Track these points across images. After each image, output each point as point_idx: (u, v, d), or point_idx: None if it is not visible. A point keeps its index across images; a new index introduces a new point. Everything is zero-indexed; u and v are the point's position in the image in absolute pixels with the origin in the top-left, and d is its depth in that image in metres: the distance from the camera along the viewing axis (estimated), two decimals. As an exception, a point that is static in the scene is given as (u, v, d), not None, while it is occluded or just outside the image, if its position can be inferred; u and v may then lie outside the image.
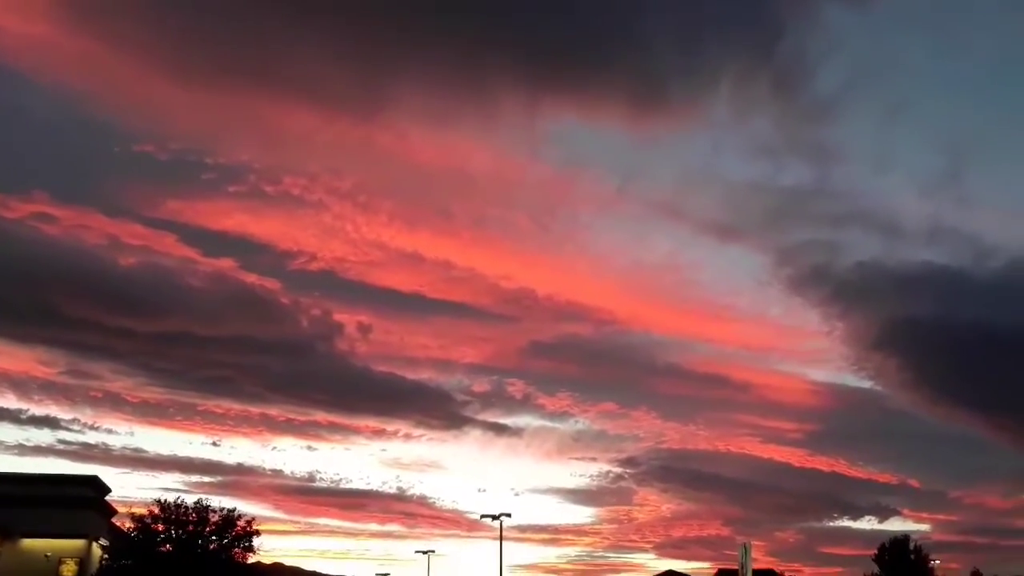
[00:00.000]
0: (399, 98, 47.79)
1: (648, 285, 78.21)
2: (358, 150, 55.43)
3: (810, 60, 70.45)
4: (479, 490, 70.76)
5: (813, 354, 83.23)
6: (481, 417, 67.95)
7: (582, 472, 73.36)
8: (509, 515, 35.54)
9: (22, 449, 50.02)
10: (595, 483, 70.62)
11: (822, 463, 69.73)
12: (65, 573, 28.83)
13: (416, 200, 69.20)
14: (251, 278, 59.58)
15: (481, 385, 69.65)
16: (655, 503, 71.43)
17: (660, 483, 70.53)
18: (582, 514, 77.17)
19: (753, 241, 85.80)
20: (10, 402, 47.78)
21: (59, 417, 54.61)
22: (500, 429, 68.54)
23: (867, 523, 64.30)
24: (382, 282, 69.86)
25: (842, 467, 69.47)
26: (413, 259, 66.25)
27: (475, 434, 68.40)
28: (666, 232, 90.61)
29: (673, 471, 70.18)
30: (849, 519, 65.99)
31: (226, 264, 57.27)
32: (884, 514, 63.99)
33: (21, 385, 48.83)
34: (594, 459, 71.83)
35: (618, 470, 69.69)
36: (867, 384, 73.86)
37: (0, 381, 41.42)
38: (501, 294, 68.46)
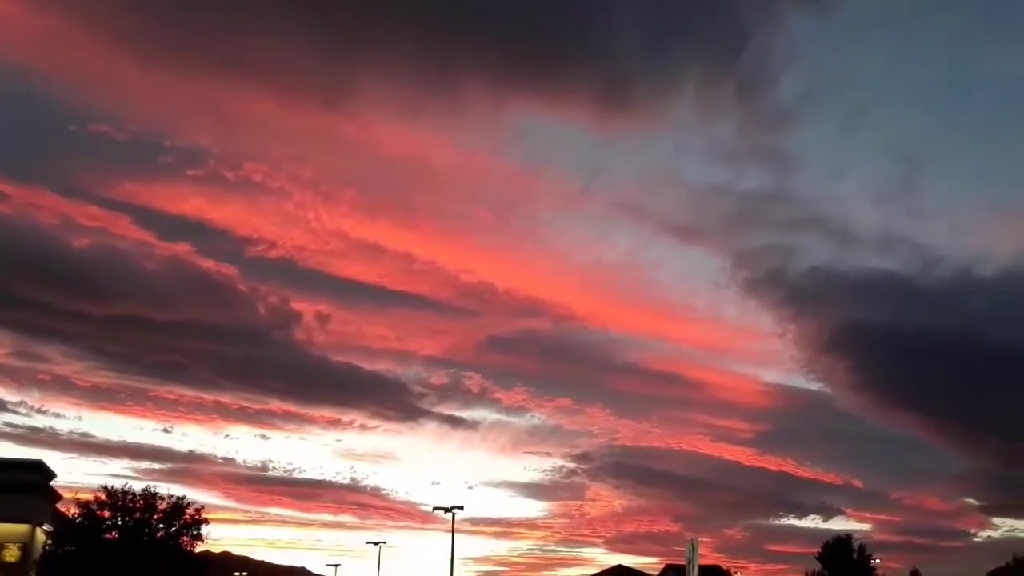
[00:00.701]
0: (364, 87, 47.40)
1: (607, 283, 78.78)
2: (321, 138, 54.93)
3: (772, 67, 71.66)
4: (433, 482, 70.82)
5: (766, 355, 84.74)
6: (437, 410, 68.00)
7: (536, 466, 73.85)
8: (462, 508, 35.67)
9: (-35, 433, 48.90)
10: (548, 478, 71.19)
11: (770, 462, 71.13)
12: (7, 558, 28.34)
13: (378, 191, 68.72)
14: (208, 263, 58.75)
15: (438, 378, 69.68)
16: (607, 498, 72.28)
17: (613, 479, 71.36)
18: (534, 508, 77.69)
19: (712, 243, 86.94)
20: (-44, 385, 46.56)
21: (5, 400, 53.43)
22: (456, 422, 68.65)
23: (812, 522, 65.82)
24: (342, 272, 69.36)
25: (790, 466, 70.93)
26: (374, 250, 65.89)
27: (431, 426, 68.39)
28: (627, 231, 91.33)
29: (626, 467, 71.02)
30: (795, 518, 67.47)
31: (182, 248, 56.41)
32: (828, 513, 65.53)
33: (-33, 368, 47.62)
34: (548, 454, 72.31)
35: (571, 465, 70.33)
36: (816, 386, 75.56)
37: (-55, 363, 40.29)
38: (461, 288, 68.45)
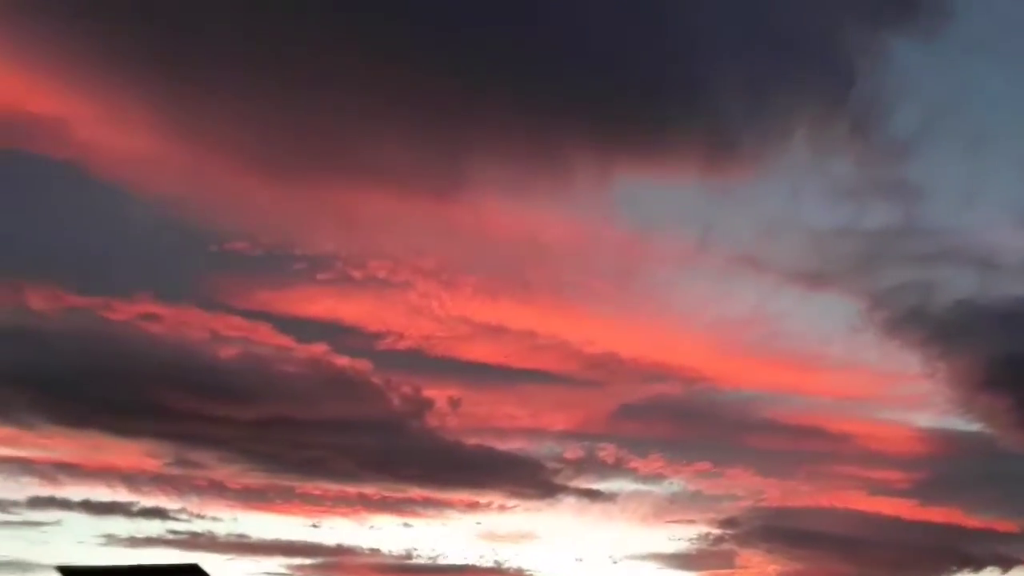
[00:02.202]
0: (474, 174, 48.82)
1: (734, 340, 76.42)
2: (439, 228, 56.52)
3: (886, 97, 68.75)
4: (576, 559, 69.44)
5: (915, 399, 79.38)
6: (574, 484, 66.86)
7: (680, 535, 71.10)
8: (608, 584, 34.86)
9: (133, 541, 51.61)
10: (695, 546, 68.39)
11: (935, 514, 66.14)
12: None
13: (496, 272, 69.77)
14: (343, 361, 60.56)
15: (572, 451, 68.70)
16: (759, 564, 68.71)
17: (763, 543, 67.92)
18: (682, 579, 74.79)
19: (842, 287, 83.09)
20: (121, 495, 49.83)
21: (167, 507, 56.15)
22: (594, 495, 67.24)
23: (990, 575, 60.47)
24: (469, 355, 69.94)
25: (957, 516, 65.76)
26: (497, 331, 66.32)
27: (569, 501, 67.27)
28: (749, 284, 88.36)
29: (775, 530, 67.54)
30: (970, 571, 62.21)
31: (319, 349, 58.56)
32: (1007, 564, 60.03)
33: (131, 479, 50.63)
34: (692, 521, 69.68)
35: (718, 531, 67.34)
36: (976, 426, 69.74)
37: (111, 476, 43.70)
38: (585, 359, 67.73)
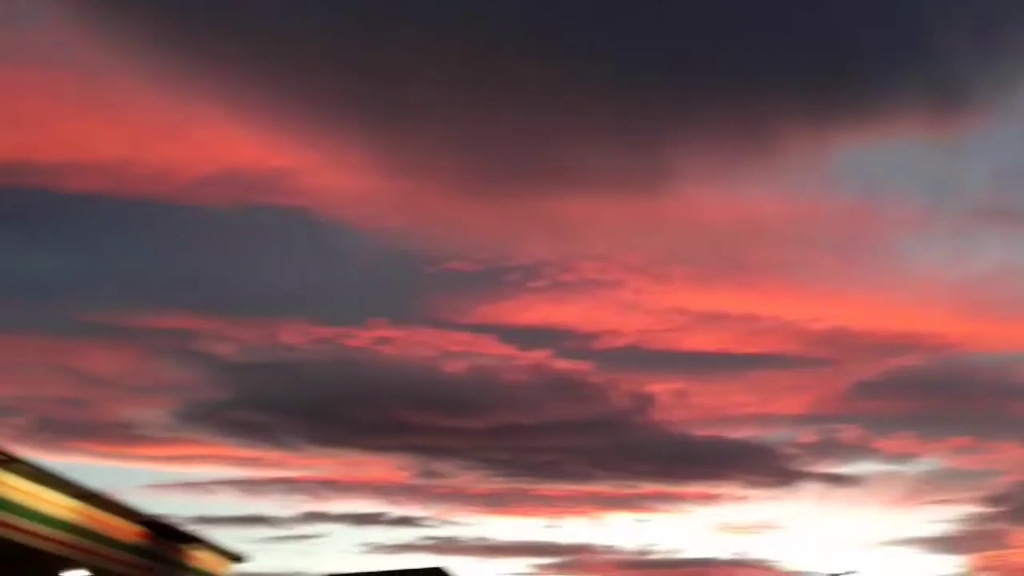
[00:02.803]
0: (677, 164, 47.97)
1: (981, 299, 69.88)
2: (645, 222, 56.06)
3: None
4: (820, 547, 66.24)
5: None
6: (813, 469, 63.93)
7: (939, 517, 66.09)
8: (856, 573, 33.00)
9: (389, 548, 55.75)
10: (957, 528, 63.26)
11: None
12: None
13: (709, 259, 68.11)
14: (563, 364, 61.62)
15: (808, 435, 65.73)
16: (1037, 544, 62.50)
17: (1039, 520, 61.79)
18: (947, 564, 69.31)
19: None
20: (377, 506, 53.88)
21: (415, 516, 59.97)
22: (836, 480, 64.01)
23: None
24: (688, 346, 68.83)
25: None
26: (716, 318, 64.75)
27: (810, 488, 64.44)
28: (992, 238, 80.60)
29: (1052, 505, 61.25)
30: None
31: (540, 355, 60.01)
32: None
33: (384, 490, 54.73)
34: (952, 501, 64.64)
35: (984, 510, 62.00)
36: None
37: (367, 489, 47.76)
38: (813, 338, 64.59)
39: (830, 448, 64.00)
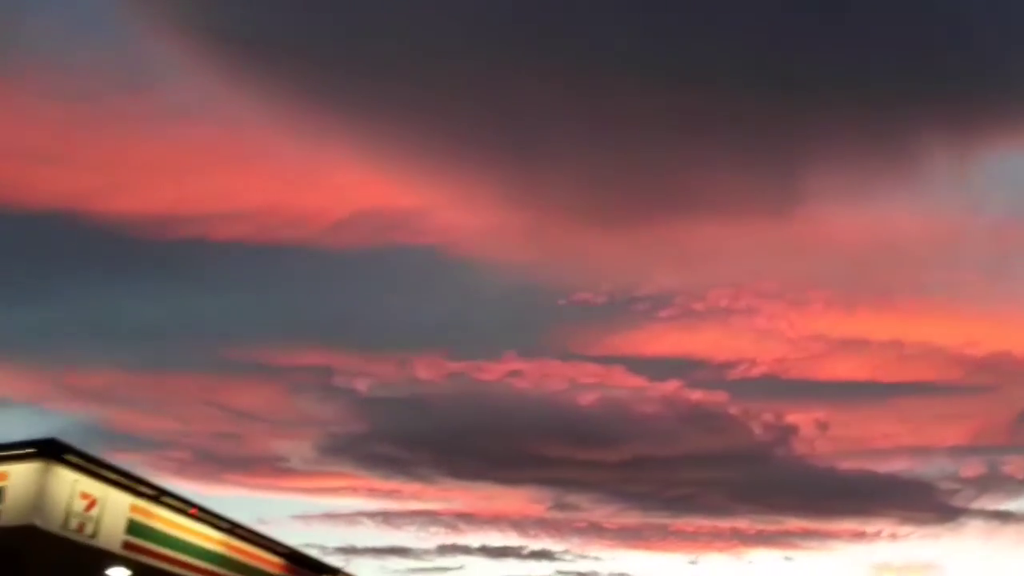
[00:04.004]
0: (809, 186, 46.43)
1: None
2: (777, 247, 54.37)
3: None
4: (993, 588, 61.37)
5: None
6: (977, 505, 59.42)
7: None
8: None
9: (526, 582, 55.71)
10: None
11: None
12: None
13: (848, 283, 65.29)
14: (697, 395, 60.06)
15: (970, 468, 61.19)
16: None
17: None
18: None
19: None
20: (512, 540, 54.12)
21: (553, 549, 59.72)
22: (1004, 517, 59.26)
23: None
24: (829, 375, 65.75)
25: None
26: (858, 344, 61.69)
27: (974, 525, 59.93)
28: None
29: None
30: None
31: (672, 386, 58.76)
32: None
33: (519, 524, 54.85)
34: None
35: None
36: None
37: (503, 522, 48.01)
38: (969, 363, 60.46)
39: (996, 482, 58.29)
